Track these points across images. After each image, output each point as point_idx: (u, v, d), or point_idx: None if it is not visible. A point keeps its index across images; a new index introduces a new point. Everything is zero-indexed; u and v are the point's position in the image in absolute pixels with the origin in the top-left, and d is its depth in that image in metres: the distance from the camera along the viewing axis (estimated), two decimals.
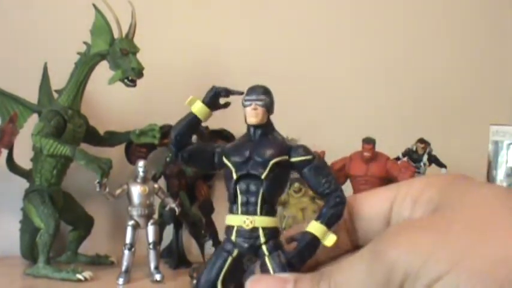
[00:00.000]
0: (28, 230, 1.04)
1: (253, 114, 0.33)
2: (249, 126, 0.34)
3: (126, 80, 0.99)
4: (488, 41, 1.41)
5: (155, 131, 1.06)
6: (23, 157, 1.03)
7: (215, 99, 0.35)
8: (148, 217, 0.99)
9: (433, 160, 1.17)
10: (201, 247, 1.09)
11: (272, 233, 0.32)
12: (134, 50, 0.99)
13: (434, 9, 1.38)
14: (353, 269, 0.27)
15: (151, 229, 0.98)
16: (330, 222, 0.31)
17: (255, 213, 0.32)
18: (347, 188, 1.08)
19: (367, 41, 1.34)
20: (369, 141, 1.05)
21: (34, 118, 1.02)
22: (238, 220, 0.32)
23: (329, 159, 1.07)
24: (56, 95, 1.03)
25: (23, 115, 1.02)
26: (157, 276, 0.95)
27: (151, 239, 0.98)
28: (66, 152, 0.95)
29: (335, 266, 0.28)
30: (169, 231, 1.09)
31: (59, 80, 1.03)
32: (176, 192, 1.08)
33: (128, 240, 0.97)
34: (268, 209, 0.32)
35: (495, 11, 1.42)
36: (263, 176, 0.32)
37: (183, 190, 1.09)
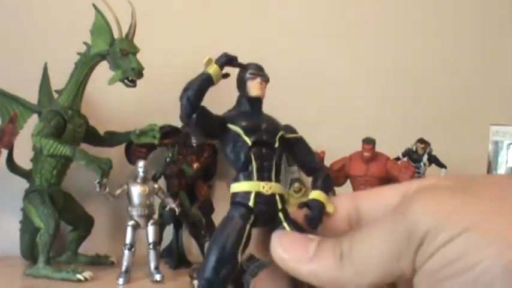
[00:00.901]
0: (28, 230, 1.04)
1: (258, 87, 0.33)
2: (246, 99, 0.34)
3: (126, 80, 0.99)
4: (488, 40, 1.41)
5: (155, 131, 1.06)
6: (23, 157, 1.03)
7: (226, 65, 0.34)
8: (148, 217, 0.99)
9: (433, 160, 1.17)
10: (201, 247, 1.09)
11: (284, 201, 0.32)
12: (134, 50, 0.99)
13: (434, 9, 1.38)
14: (375, 228, 0.27)
15: (151, 229, 0.98)
16: (326, 192, 0.33)
17: (270, 180, 0.32)
18: (347, 188, 1.08)
19: (367, 41, 1.34)
20: (368, 141, 1.05)
21: (34, 118, 1.02)
22: (256, 186, 0.31)
23: (329, 159, 1.07)
24: (56, 95, 1.03)
25: (23, 115, 1.02)
26: (157, 276, 0.95)
27: (151, 239, 0.98)
28: (66, 152, 0.95)
29: (358, 229, 0.28)
30: (169, 231, 1.09)
31: (59, 80, 1.03)
32: (176, 192, 1.08)
33: (128, 240, 0.97)
34: (279, 177, 0.32)
35: (495, 11, 1.42)
36: (276, 145, 0.32)
37: (183, 190, 1.09)
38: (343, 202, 0.33)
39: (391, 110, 1.34)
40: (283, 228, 0.31)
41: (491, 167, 1.02)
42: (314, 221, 0.32)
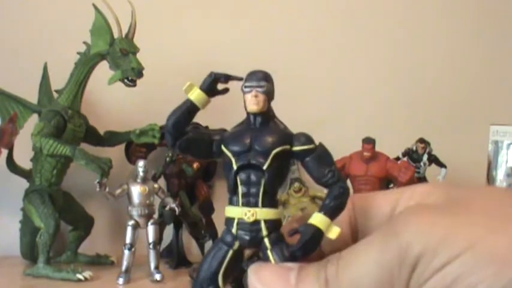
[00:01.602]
0: (28, 230, 1.04)
1: (254, 102, 0.31)
2: (248, 113, 0.32)
3: (126, 80, 0.99)
4: (488, 40, 1.41)
5: (155, 130, 1.06)
6: (23, 157, 1.03)
7: (214, 85, 0.33)
8: (148, 217, 0.99)
9: (433, 160, 1.16)
10: (201, 247, 1.09)
11: (274, 225, 0.30)
12: (134, 50, 0.99)
13: (434, 9, 1.38)
14: (364, 249, 0.25)
15: (151, 229, 0.98)
16: (333, 214, 0.30)
17: (256, 205, 0.30)
18: None
19: (367, 41, 1.34)
20: (368, 141, 1.05)
21: (34, 118, 1.02)
22: (239, 212, 0.30)
23: None
24: (56, 95, 1.03)
25: (23, 115, 1.02)
26: (157, 276, 0.95)
27: (151, 238, 0.98)
28: (66, 152, 0.95)
29: (344, 250, 0.26)
30: (169, 231, 1.09)
31: (59, 80, 1.03)
32: (176, 192, 1.08)
33: (128, 240, 0.97)
34: (270, 201, 0.31)
35: (496, 11, 1.42)
36: (265, 167, 0.30)
37: (183, 190, 1.09)
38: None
39: (391, 109, 1.34)
40: (268, 256, 0.30)
41: (491, 166, 1.02)
42: (298, 252, 0.29)
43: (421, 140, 1.16)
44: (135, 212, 0.98)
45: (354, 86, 1.33)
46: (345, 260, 0.26)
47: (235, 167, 0.31)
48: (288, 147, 0.31)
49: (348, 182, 1.08)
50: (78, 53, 1.01)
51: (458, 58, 1.39)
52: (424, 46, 1.37)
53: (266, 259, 0.30)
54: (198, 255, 1.09)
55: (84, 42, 1.00)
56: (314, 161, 0.31)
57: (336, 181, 0.30)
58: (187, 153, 0.33)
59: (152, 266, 0.97)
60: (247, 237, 0.30)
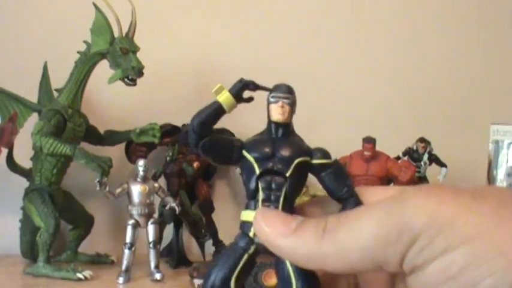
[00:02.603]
0: (28, 229, 1.04)
1: (280, 112, 0.32)
2: (270, 123, 0.33)
3: (126, 79, 0.99)
4: (489, 40, 1.41)
5: (155, 130, 1.06)
6: (23, 156, 1.03)
7: (242, 91, 0.33)
8: (148, 216, 0.99)
9: (434, 159, 1.16)
10: (201, 246, 1.09)
11: None
12: (134, 49, 0.99)
13: (434, 8, 1.38)
14: (366, 210, 0.25)
15: (151, 228, 0.98)
16: None
17: None
18: None
19: (367, 40, 1.34)
20: (369, 141, 1.05)
21: (34, 117, 1.02)
22: None
23: None
24: (56, 94, 1.03)
25: (23, 114, 1.02)
26: (158, 275, 0.95)
27: (151, 238, 0.98)
28: (66, 151, 0.95)
29: (349, 210, 0.27)
30: (169, 230, 1.09)
31: (59, 79, 1.03)
32: (176, 191, 1.08)
33: (128, 239, 0.96)
34: (289, 208, 0.31)
35: (496, 11, 1.42)
36: (288, 174, 0.31)
37: (183, 189, 1.09)
38: None
39: (391, 109, 1.34)
40: (284, 264, 0.30)
41: (491, 166, 1.02)
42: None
43: (422, 140, 1.16)
44: (135, 211, 0.98)
45: (355, 86, 1.33)
46: (346, 215, 0.26)
47: (257, 171, 0.31)
48: (308, 158, 0.32)
49: None
50: (79, 52, 1.01)
51: (458, 58, 1.39)
52: (424, 46, 1.37)
53: (281, 265, 0.30)
54: (198, 255, 1.09)
55: (85, 41, 1.00)
56: (331, 176, 0.32)
57: (350, 196, 0.31)
58: (208, 155, 0.33)
59: (152, 265, 0.97)
60: None
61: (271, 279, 0.84)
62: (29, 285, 0.93)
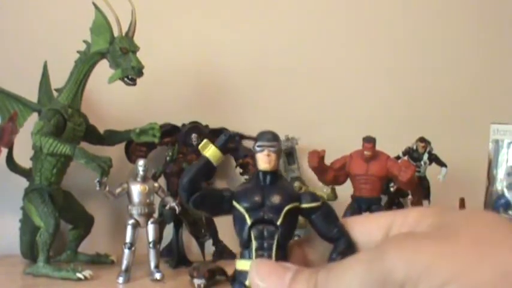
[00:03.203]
0: (28, 229, 1.04)
1: (266, 161, 0.33)
2: (258, 171, 0.34)
3: (126, 79, 0.99)
4: (489, 39, 1.41)
5: (155, 129, 1.06)
6: (23, 156, 1.03)
7: (228, 144, 0.34)
8: (148, 216, 0.99)
9: (434, 159, 1.16)
10: (201, 246, 1.09)
11: None
12: (134, 49, 0.99)
13: (434, 9, 1.38)
14: (352, 265, 0.27)
15: (151, 228, 0.98)
16: None
17: (269, 259, 0.32)
18: (347, 187, 1.08)
19: (367, 40, 1.34)
20: (369, 140, 1.05)
21: (34, 117, 1.02)
22: None
23: (329, 158, 1.07)
24: (56, 94, 1.03)
25: (23, 114, 1.02)
26: (158, 275, 0.95)
27: (151, 237, 0.98)
28: (66, 150, 0.95)
29: (335, 262, 0.28)
30: (169, 230, 1.09)
31: (58, 78, 1.03)
32: (176, 191, 1.08)
33: (128, 239, 0.96)
34: (282, 255, 0.32)
35: (496, 11, 1.41)
36: (279, 222, 0.32)
37: None
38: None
39: (391, 108, 1.34)
40: None
41: (491, 165, 1.02)
42: None
43: (422, 139, 1.16)
44: (135, 211, 0.98)
45: (355, 85, 1.33)
46: (334, 272, 0.27)
47: (249, 222, 0.32)
48: (297, 204, 0.33)
49: (348, 180, 1.08)
50: (78, 52, 1.01)
51: (458, 58, 1.39)
52: (424, 46, 1.37)
53: None
54: (198, 254, 1.09)
55: (84, 41, 1.00)
56: (320, 218, 0.33)
57: (341, 236, 0.32)
58: (201, 209, 0.34)
59: (152, 265, 0.97)
60: None
61: None
62: (29, 285, 0.93)
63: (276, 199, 0.32)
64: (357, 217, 0.34)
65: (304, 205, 0.33)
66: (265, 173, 0.33)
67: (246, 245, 0.32)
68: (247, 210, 0.32)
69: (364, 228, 0.32)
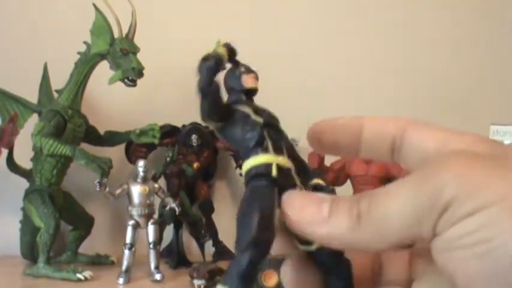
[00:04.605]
0: (28, 229, 1.04)
1: (254, 81, 0.31)
2: (240, 92, 0.31)
3: (126, 80, 0.99)
4: (489, 39, 1.41)
5: (155, 130, 1.06)
6: (23, 157, 1.03)
7: (229, 52, 0.32)
8: (148, 217, 0.99)
9: None
10: (201, 247, 1.09)
11: (301, 177, 0.30)
12: (134, 50, 0.99)
13: (434, 9, 1.38)
14: (398, 188, 0.25)
15: (151, 229, 0.98)
16: None
17: (284, 156, 0.29)
18: (347, 188, 1.08)
19: (367, 41, 1.34)
20: None
21: (34, 118, 1.02)
22: (275, 159, 0.28)
23: (329, 159, 1.07)
24: (56, 95, 1.03)
25: (23, 115, 1.02)
26: (158, 276, 0.95)
27: (151, 238, 0.98)
28: (66, 151, 0.95)
29: (378, 188, 0.26)
30: (169, 231, 1.09)
31: (59, 80, 1.03)
32: (176, 192, 1.08)
33: (128, 239, 0.97)
34: (297, 156, 0.31)
35: (496, 10, 1.42)
36: (281, 127, 0.30)
37: (183, 190, 1.09)
38: (391, 126, 0.30)
39: (391, 109, 1.34)
40: None
41: None
42: None
43: None
44: (135, 212, 0.98)
45: (355, 86, 1.33)
46: (377, 197, 0.25)
47: (261, 122, 0.29)
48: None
49: (348, 181, 1.08)
50: (79, 53, 1.01)
51: (458, 58, 1.39)
52: (424, 46, 1.37)
53: None
54: (198, 255, 1.09)
55: (85, 42, 1.00)
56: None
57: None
58: (213, 98, 0.30)
59: (152, 265, 0.97)
60: (286, 182, 0.28)
61: (271, 279, 0.84)
62: (29, 286, 0.93)
63: (270, 115, 0.30)
64: (416, 125, 0.31)
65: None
66: (250, 92, 0.31)
67: (259, 144, 0.29)
68: (255, 112, 0.30)
69: (420, 138, 0.30)
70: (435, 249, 0.25)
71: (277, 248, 0.28)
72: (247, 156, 0.29)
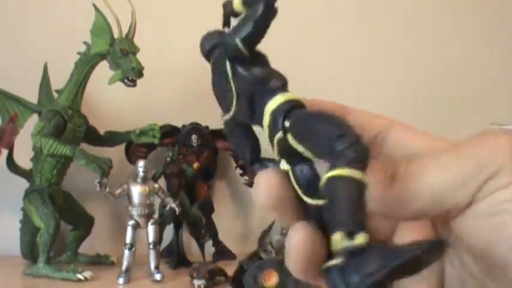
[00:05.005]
0: (28, 229, 1.04)
1: None
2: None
3: (126, 80, 0.99)
4: (489, 39, 1.41)
5: (155, 130, 1.06)
6: (23, 157, 1.03)
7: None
8: (148, 217, 0.99)
9: None
10: (201, 247, 1.09)
11: None
12: (134, 50, 0.99)
13: (434, 10, 1.38)
14: (437, 157, 0.25)
15: (151, 229, 0.99)
16: None
17: None
18: None
19: (368, 40, 1.34)
20: None
21: (34, 118, 1.02)
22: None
23: None
24: (56, 95, 1.03)
25: (23, 115, 1.02)
26: (158, 276, 0.95)
27: (151, 238, 0.98)
28: (66, 151, 0.95)
29: (417, 156, 0.26)
30: (169, 231, 1.09)
31: (59, 80, 1.03)
32: (176, 192, 1.08)
33: (128, 240, 0.97)
34: None
35: (497, 10, 1.42)
36: None
37: (183, 190, 1.09)
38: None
39: (391, 110, 1.33)
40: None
41: None
42: None
43: None
44: (135, 212, 0.98)
45: (355, 86, 1.33)
46: (415, 163, 0.25)
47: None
48: None
49: None
50: (79, 53, 1.01)
51: (459, 57, 1.39)
52: (424, 47, 1.37)
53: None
54: (198, 255, 1.09)
55: (85, 42, 1.00)
56: None
57: None
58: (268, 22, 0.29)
59: (152, 265, 0.97)
60: None
61: (271, 279, 0.84)
62: (29, 286, 0.93)
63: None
64: (402, 125, 0.32)
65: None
66: None
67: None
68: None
69: (407, 136, 0.30)
70: (471, 215, 0.24)
71: (281, 209, 0.26)
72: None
